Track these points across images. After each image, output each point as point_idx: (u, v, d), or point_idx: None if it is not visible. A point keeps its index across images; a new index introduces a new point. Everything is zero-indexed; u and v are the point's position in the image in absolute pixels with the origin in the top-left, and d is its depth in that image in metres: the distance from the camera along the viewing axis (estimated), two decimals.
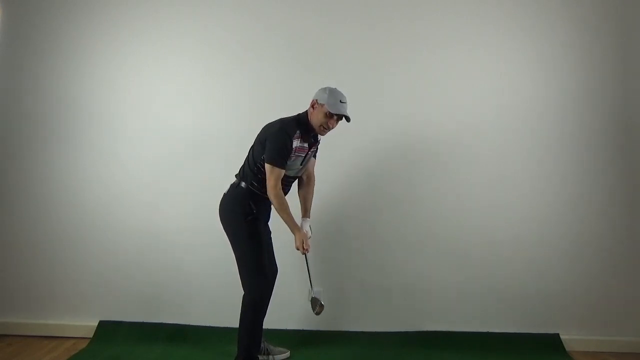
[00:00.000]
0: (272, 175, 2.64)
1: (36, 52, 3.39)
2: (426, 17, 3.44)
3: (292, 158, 2.70)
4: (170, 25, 3.41)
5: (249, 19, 3.41)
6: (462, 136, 3.40)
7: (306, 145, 2.76)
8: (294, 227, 2.74)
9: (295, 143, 2.69)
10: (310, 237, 2.84)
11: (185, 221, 3.35)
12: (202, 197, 3.26)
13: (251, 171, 2.75)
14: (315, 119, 2.72)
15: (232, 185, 2.81)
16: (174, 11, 3.42)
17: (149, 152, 3.38)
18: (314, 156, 2.92)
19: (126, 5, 3.42)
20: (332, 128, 2.75)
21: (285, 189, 2.80)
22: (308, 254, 2.79)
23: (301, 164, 2.79)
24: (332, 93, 2.71)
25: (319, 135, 2.82)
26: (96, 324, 3.26)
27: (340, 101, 2.70)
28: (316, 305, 2.84)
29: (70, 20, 3.40)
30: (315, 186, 2.99)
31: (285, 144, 2.64)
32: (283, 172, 2.67)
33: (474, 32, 3.43)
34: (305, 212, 2.93)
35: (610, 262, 3.35)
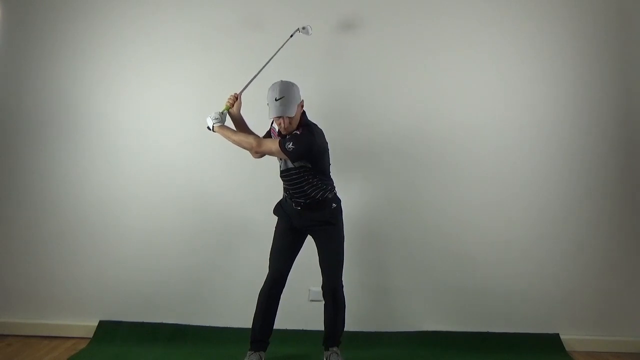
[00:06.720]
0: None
1: (36, 52, 3.38)
2: (426, 20, 3.44)
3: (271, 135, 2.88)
4: (174, 27, 3.40)
5: (253, 21, 3.40)
6: (462, 136, 3.40)
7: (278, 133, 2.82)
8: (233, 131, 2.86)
9: (275, 124, 2.82)
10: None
11: (186, 221, 3.34)
12: (203, 198, 3.25)
13: None
14: None
15: None
16: (177, 13, 3.41)
17: (149, 152, 3.37)
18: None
19: (128, 6, 3.41)
20: (282, 126, 2.72)
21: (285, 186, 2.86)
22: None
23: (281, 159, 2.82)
24: (268, 92, 2.72)
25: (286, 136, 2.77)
26: (96, 324, 3.26)
27: (275, 99, 2.67)
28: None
29: (71, 21, 3.40)
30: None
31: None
32: (259, 137, 2.85)
33: (474, 34, 3.43)
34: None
35: (610, 262, 3.35)
